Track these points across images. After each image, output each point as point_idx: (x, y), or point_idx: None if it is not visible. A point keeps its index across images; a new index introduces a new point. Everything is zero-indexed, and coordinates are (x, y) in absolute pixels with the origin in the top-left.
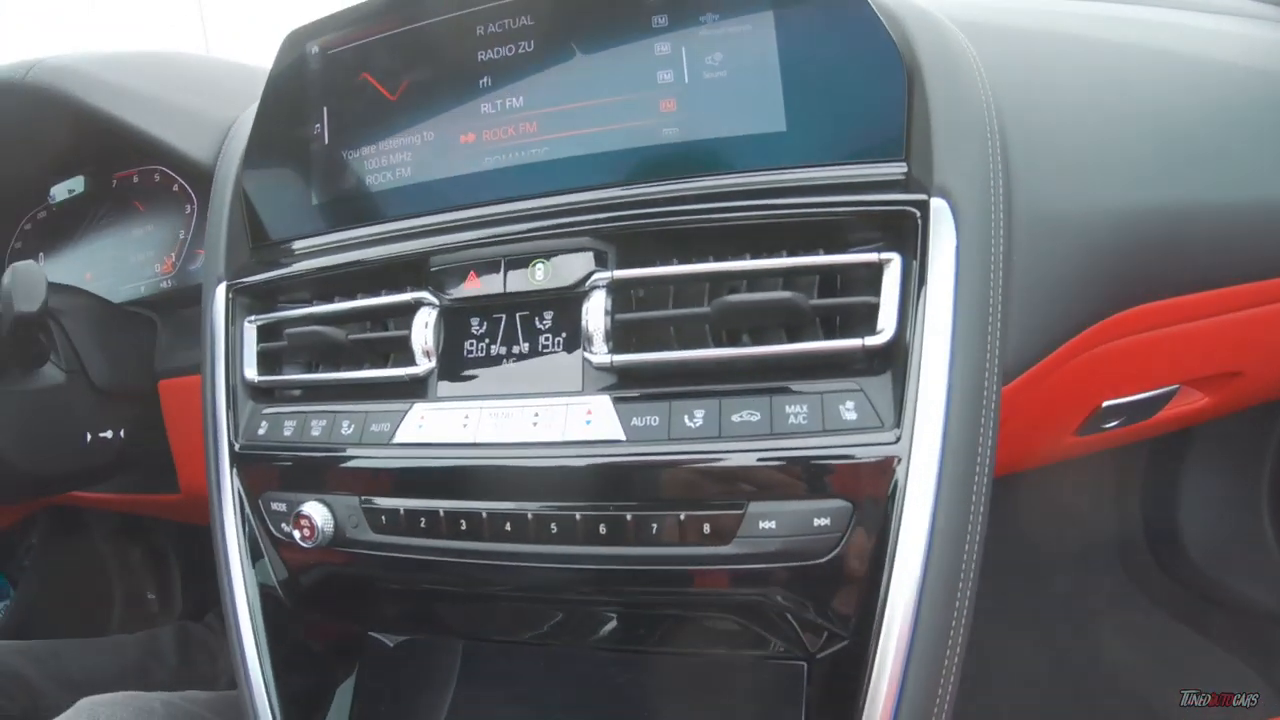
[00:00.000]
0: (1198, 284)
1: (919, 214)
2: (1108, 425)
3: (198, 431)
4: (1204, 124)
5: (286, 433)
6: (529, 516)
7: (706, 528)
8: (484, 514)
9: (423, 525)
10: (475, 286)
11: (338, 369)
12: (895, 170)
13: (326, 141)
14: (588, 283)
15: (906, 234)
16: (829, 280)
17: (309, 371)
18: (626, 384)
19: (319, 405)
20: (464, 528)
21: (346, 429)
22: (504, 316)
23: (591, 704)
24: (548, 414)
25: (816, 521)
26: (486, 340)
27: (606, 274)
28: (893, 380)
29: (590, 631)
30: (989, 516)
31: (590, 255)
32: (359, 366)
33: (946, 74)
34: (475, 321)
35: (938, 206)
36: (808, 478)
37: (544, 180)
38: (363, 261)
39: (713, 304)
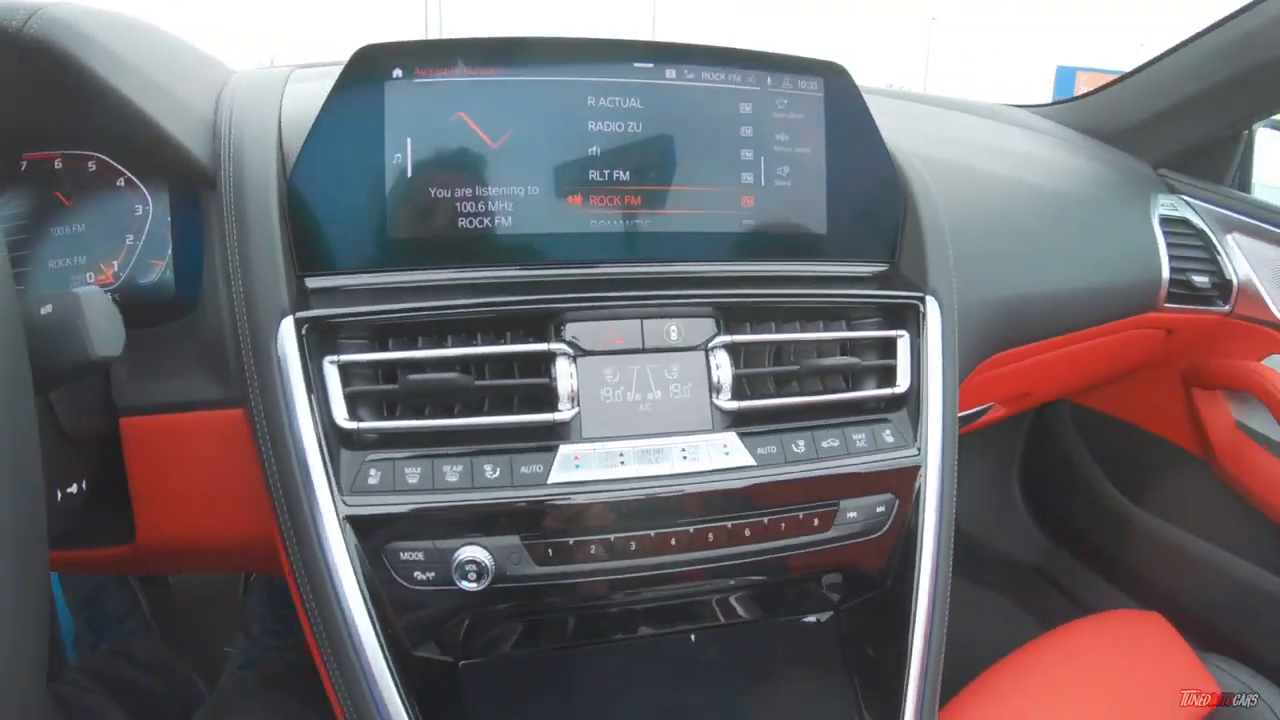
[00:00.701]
0: (1030, 339)
1: (921, 306)
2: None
3: (173, 475)
4: (1032, 233)
5: (412, 480)
6: (691, 531)
7: (816, 521)
8: (652, 534)
9: (592, 552)
10: (618, 342)
11: (454, 414)
12: (886, 267)
13: (410, 175)
14: (712, 342)
15: (910, 318)
16: (848, 343)
17: (414, 417)
18: (744, 422)
19: (442, 450)
20: (634, 548)
21: (491, 473)
22: (636, 367)
23: (672, 681)
24: (692, 449)
25: (878, 510)
26: (622, 388)
27: (727, 337)
28: (909, 415)
29: (673, 621)
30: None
31: (712, 321)
32: (479, 412)
33: (927, 200)
34: (609, 371)
35: (931, 301)
36: (871, 481)
37: (650, 248)
38: (482, 306)
39: (802, 364)
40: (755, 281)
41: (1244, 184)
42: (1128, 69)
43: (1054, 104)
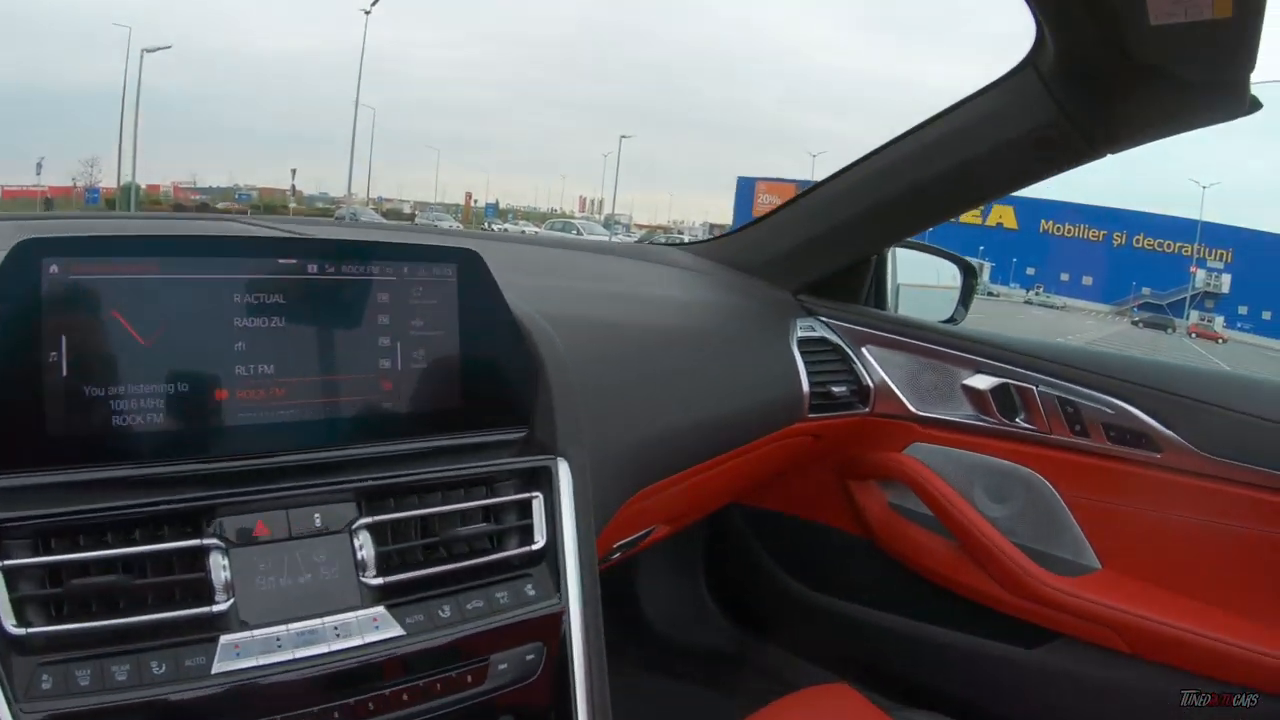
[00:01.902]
0: (683, 466)
1: (552, 468)
2: (613, 557)
3: None
4: (670, 374)
5: (83, 682)
6: (352, 703)
7: (469, 677)
8: (315, 709)
9: None
10: (266, 533)
11: (120, 612)
12: (524, 433)
13: (65, 372)
14: (355, 524)
15: (543, 479)
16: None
17: (82, 619)
18: (394, 595)
19: (111, 649)
20: None
21: (157, 669)
22: (286, 555)
23: None
24: (345, 627)
25: (528, 658)
26: (274, 575)
27: (368, 518)
28: (549, 567)
29: None
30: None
31: (354, 504)
32: (144, 608)
33: (557, 367)
34: (261, 560)
35: (562, 463)
36: (519, 632)
37: (296, 438)
38: (137, 506)
39: (443, 534)
40: (398, 460)
41: (879, 298)
42: (802, 177)
43: (706, 241)
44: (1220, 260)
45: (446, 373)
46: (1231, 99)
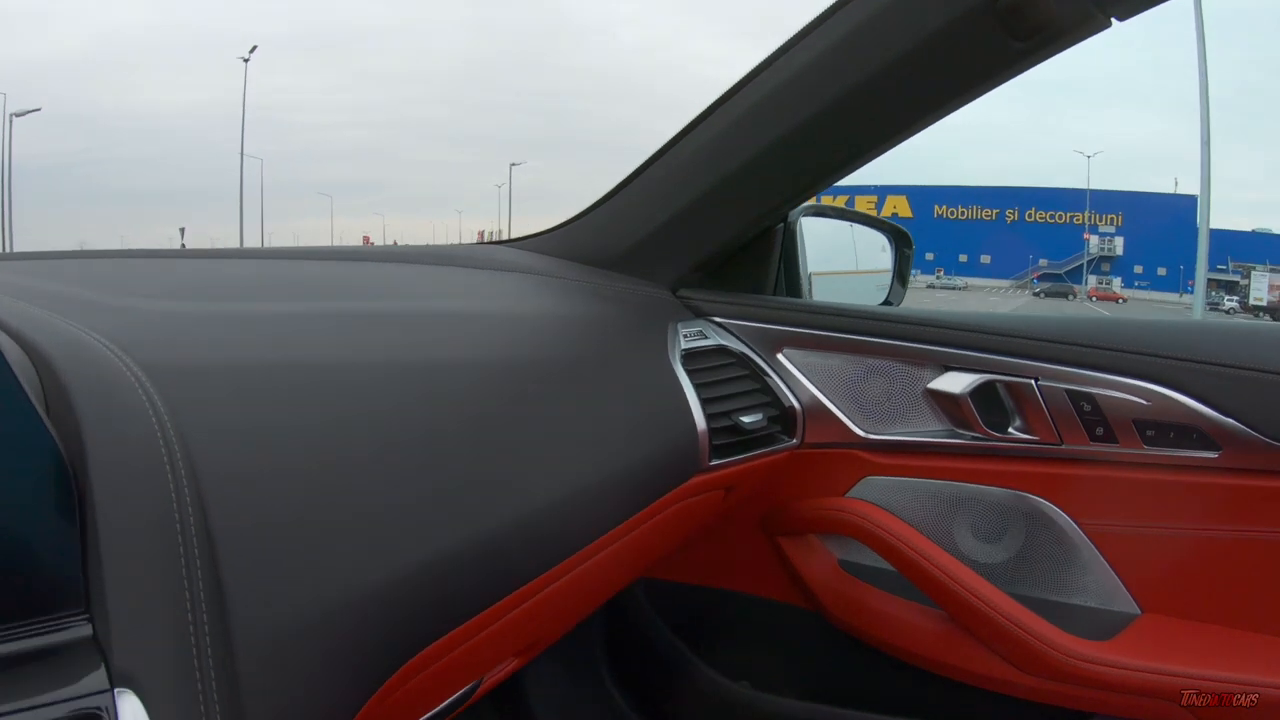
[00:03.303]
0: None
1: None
2: None
3: None
4: (446, 453)
5: None
6: None
7: None
8: None
9: None
10: None
11: None
12: (81, 632)
13: None
14: None
15: None
16: None
17: None
18: None
19: None
20: None
21: None
22: None
23: None
24: None
25: None
26: None
27: None
28: None
29: None
30: None
31: None
32: None
33: (122, 486)
34: None
35: (123, 704)
36: None
37: None
38: None
39: None
40: None
41: (792, 284)
42: None
43: (551, 231)
44: (1111, 224)
45: None
46: None
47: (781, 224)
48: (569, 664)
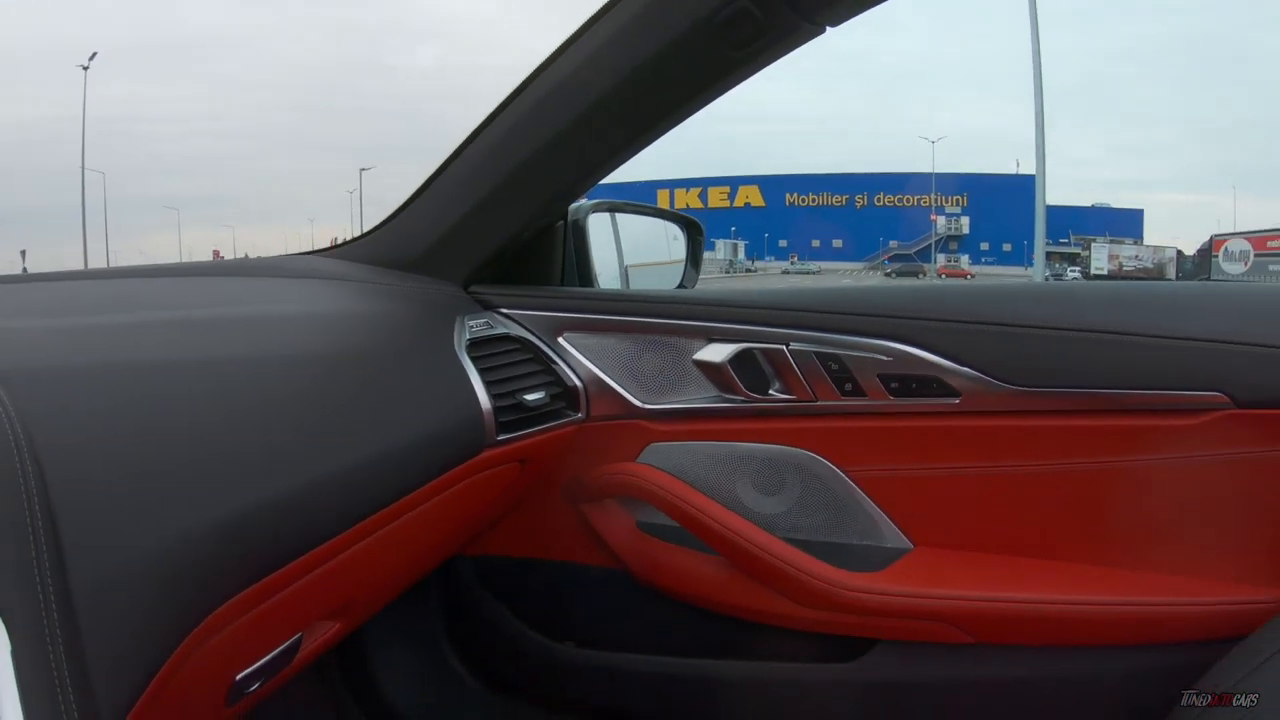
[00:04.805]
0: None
1: None
2: (251, 689)
3: None
4: (253, 426)
5: None
6: None
7: None
8: None
9: None
10: None
11: None
12: None
13: None
14: None
15: None
16: None
17: None
18: None
19: None
20: None
21: None
22: None
23: None
24: None
25: None
26: None
27: None
28: None
29: None
30: None
31: None
32: None
33: None
34: None
35: None
36: None
37: None
38: None
39: None
40: None
41: (584, 277)
42: None
43: (361, 238)
44: (958, 205)
45: None
46: None
47: (563, 221)
48: (413, 639)
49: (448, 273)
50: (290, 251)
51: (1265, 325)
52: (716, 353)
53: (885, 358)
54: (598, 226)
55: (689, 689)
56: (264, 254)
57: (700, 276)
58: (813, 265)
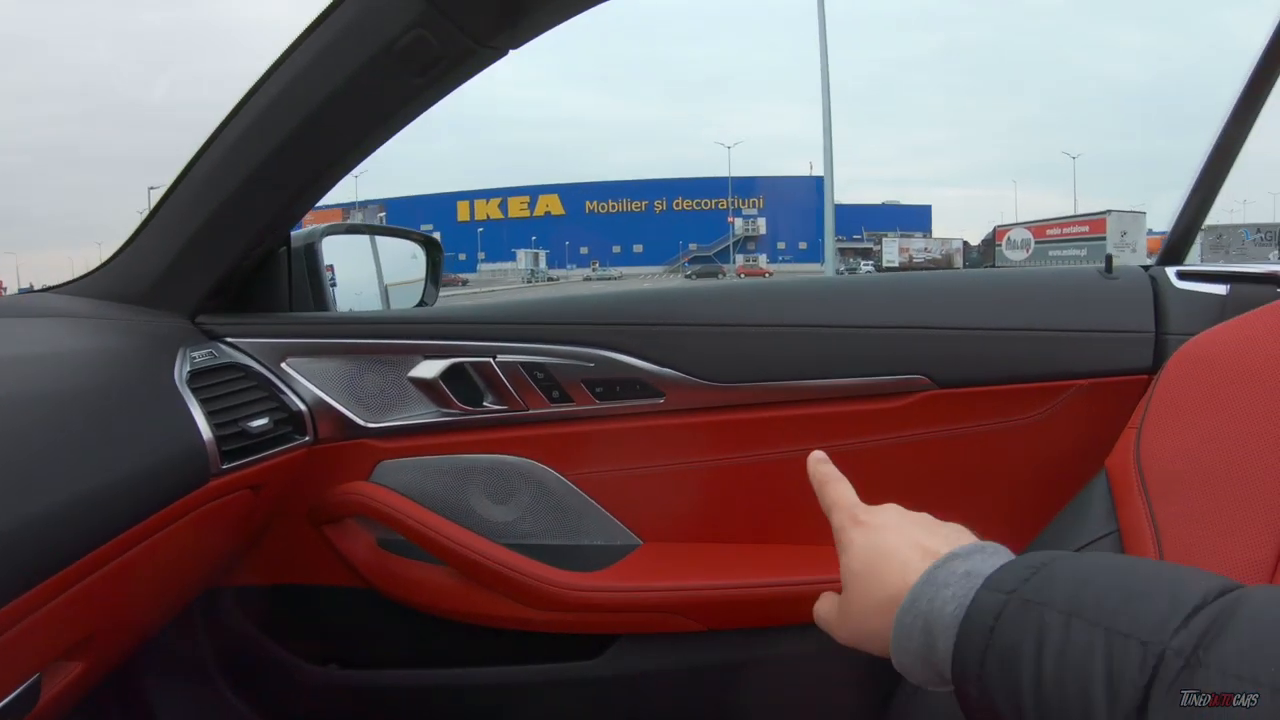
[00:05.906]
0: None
1: None
2: None
3: None
4: None
5: None
6: None
7: None
8: None
9: None
10: None
11: None
12: None
13: None
14: None
15: None
16: None
17: None
18: None
19: None
20: None
21: None
22: None
23: None
24: None
25: None
26: None
27: None
28: None
29: None
30: None
31: None
32: None
33: None
34: None
35: None
36: None
37: None
38: None
39: None
40: None
41: (318, 300)
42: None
43: (93, 272)
44: (754, 207)
45: None
46: None
47: (285, 246)
48: (187, 675)
49: (175, 304)
50: (79, 273)
51: (958, 310)
52: (429, 369)
53: (588, 364)
54: (353, 248)
55: (449, 698)
56: (54, 280)
57: (506, 287)
58: (614, 271)
